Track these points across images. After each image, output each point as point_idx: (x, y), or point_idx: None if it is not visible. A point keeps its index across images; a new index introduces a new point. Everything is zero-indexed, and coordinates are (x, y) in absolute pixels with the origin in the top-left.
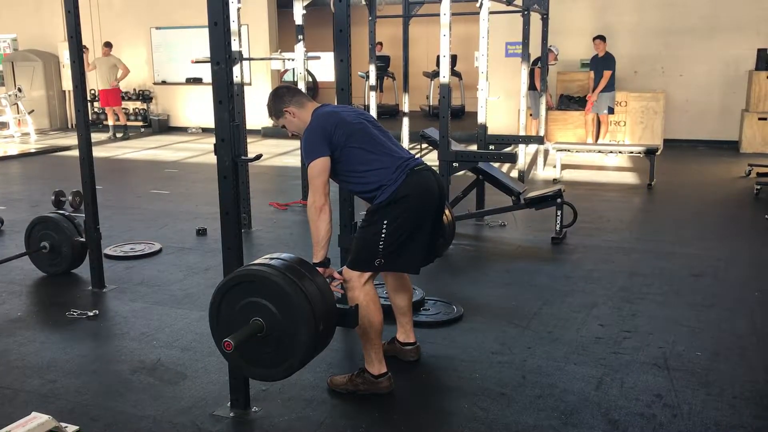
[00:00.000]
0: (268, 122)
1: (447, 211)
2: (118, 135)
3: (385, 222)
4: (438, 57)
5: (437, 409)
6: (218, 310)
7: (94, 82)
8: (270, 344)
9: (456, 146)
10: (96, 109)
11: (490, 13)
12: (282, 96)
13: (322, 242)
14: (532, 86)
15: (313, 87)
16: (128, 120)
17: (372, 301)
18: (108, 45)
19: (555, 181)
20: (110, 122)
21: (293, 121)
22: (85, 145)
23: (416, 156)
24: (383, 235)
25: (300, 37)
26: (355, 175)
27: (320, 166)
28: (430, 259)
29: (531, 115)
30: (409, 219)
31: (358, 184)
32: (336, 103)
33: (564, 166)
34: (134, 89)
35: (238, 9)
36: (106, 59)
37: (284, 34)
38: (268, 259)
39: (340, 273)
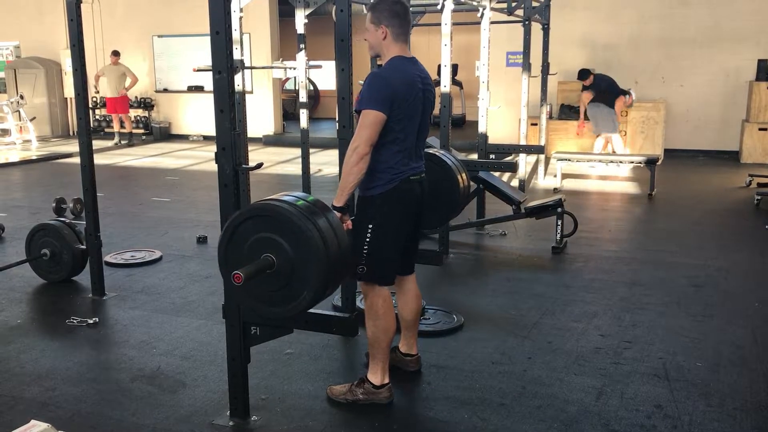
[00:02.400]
0: (270, 131)
1: (463, 175)
2: (123, 141)
3: (371, 226)
4: (439, 66)
5: (437, 419)
6: (227, 246)
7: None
8: (280, 281)
9: (457, 155)
10: (98, 117)
11: (491, 23)
12: (395, 15)
13: (349, 188)
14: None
15: (315, 95)
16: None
17: (389, 308)
18: (116, 54)
19: (555, 190)
20: (116, 128)
21: (378, 39)
22: (87, 152)
23: (422, 164)
24: (368, 239)
25: (302, 45)
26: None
27: (374, 117)
28: (407, 268)
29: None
30: (392, 224)
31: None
32: (340, 111)
33: (564, 176)
34: (136, 97)
35: (240, 18)
36: (115, 68)
37: (286, 42)
38: (282, 195)
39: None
